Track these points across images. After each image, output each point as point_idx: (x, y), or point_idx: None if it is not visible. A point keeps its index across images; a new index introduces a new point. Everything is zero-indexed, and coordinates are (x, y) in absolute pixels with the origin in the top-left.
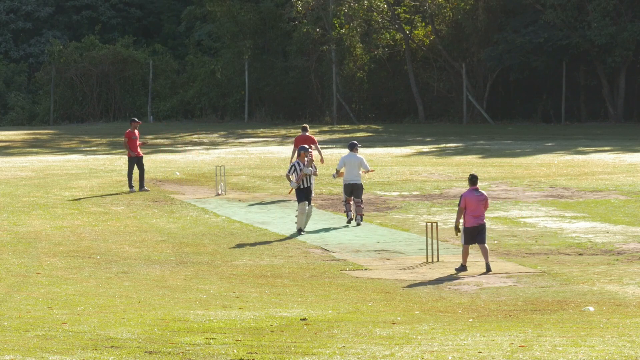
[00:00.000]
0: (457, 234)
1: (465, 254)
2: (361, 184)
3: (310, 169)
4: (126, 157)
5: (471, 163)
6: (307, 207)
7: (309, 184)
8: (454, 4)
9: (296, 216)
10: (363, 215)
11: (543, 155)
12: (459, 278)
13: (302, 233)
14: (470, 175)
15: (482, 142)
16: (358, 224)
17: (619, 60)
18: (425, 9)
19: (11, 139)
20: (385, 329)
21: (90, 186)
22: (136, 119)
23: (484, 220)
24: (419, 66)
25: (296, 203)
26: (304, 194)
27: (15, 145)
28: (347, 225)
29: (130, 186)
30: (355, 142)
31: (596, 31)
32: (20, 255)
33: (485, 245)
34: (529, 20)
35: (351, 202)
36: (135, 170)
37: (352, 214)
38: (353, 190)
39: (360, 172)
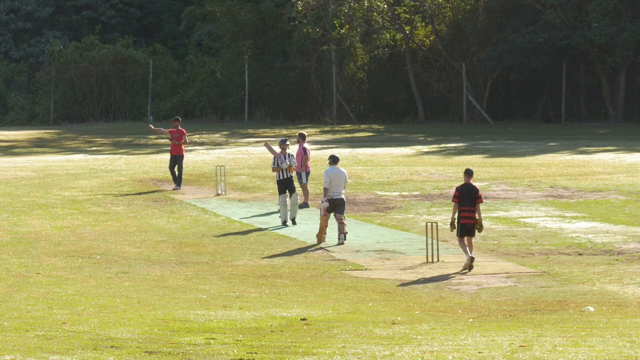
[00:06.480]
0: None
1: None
2: (344, 198)
3: (286, 162)
4: (127, 157)
5: (471, 163)
6: (287, 199)
7: (288, 176)
8: (454, 4)
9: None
10: (346, 233)
11: (543, 156)
12: (459, 278)
13: (287, 225)
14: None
15: (482, 142)
16: (341, 243)
17: (619, 60)
18: (425, 9)
19: (14, 139)
20: (385, 329)
21: (91, 186)
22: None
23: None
24: (419, 66)
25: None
26: (282, 186)
27: (18, 145)
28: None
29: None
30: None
31: (596, 31)
32: (20, 255)
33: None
34: (529, 20)
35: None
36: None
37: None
38: (336, 205)
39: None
